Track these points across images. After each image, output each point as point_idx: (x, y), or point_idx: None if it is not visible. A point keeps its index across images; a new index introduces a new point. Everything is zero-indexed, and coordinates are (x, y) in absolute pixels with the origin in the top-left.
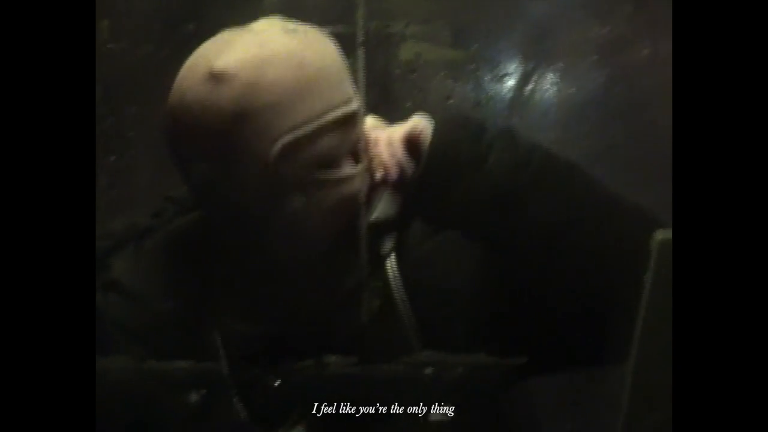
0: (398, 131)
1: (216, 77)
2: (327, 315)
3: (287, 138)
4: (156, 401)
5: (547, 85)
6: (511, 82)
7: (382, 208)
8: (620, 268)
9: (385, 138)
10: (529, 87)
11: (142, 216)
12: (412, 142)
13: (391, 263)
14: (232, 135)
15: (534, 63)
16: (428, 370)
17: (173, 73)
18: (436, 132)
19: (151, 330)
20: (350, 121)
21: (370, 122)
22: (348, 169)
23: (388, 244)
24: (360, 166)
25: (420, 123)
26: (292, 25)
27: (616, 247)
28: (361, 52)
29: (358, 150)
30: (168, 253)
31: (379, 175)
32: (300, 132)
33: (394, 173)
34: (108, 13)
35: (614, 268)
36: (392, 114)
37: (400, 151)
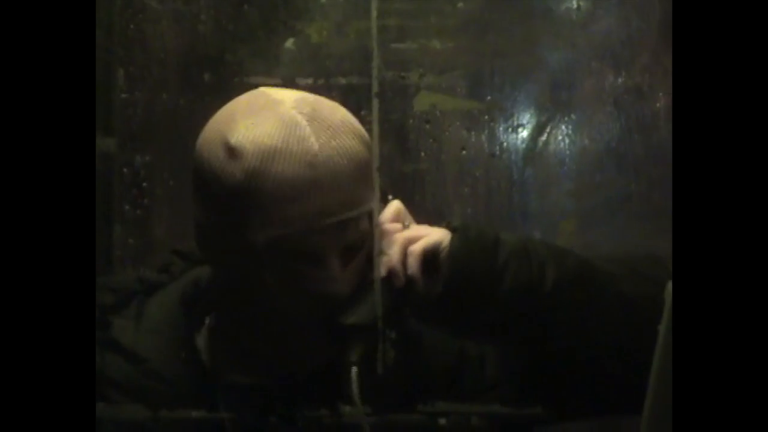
0: (419, 244)
1: (230, 150)
2: (340, 366)
3: (274, 231)
4: None
5: (562, 135)
6: (525, 133)
7: (365, 311)
8: (637, 323)
9: (402, 243)
10: (543, 138)
11: (149, 270)
12: (429, 258)
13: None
14: (233, 206)
15: (549, 114)
16: (443, 421)
17: (189, 122)
18: (453, 252)
19: (151, 391)
20: (347, 226)
21: (394, 209)
22: (333, 270)
23: (358, 350)
24: (348, 269)
25: (443, 241)
26: (327, 107)
27: (632, 312)
28: (375, 103)
29: (353, 250)
30: (170, 312)
31: (382, 272)
32: (288, 229)
33: (400, 282)
34: (124, 62)
35: (631, 324)
36: (407, 164)
37: (416, 266)
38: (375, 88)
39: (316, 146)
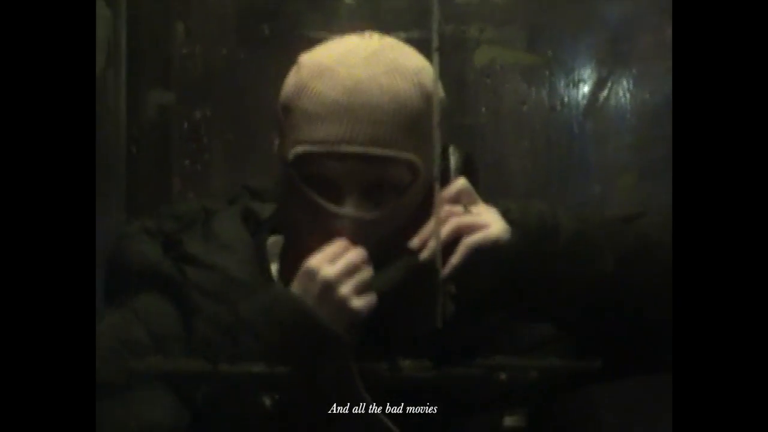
0: (475, 238)
1: (296, 64)
2: (399, 319)
3: (300, 148)
4: (229, 405)
5: (623, 90)
6: (585, 88)
7: (382, 281)
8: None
9: (454, 227)
10: (604, 92)
11: (214, 201)
12: (483, 251)
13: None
14: (280, 121)
15: (609, 68)
16: (502, 375)
17: (248, 75)
18: (514, 250)
19: (231, 293)
20: (372, 163)
21: (456, 188)
22: (347, 208)
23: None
24: (367, 212)
25: (501, 238)
26: (402, 52)
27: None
28: (436, 57)
29: (379, 198)
30: (236, 230)
31: (414, 244)
32: (311, 148)
33: (433, 263)
34: (183, 15)
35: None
36: (466, 118)
37: (462, 256)
38: (435, 43)
39: (361, 75)
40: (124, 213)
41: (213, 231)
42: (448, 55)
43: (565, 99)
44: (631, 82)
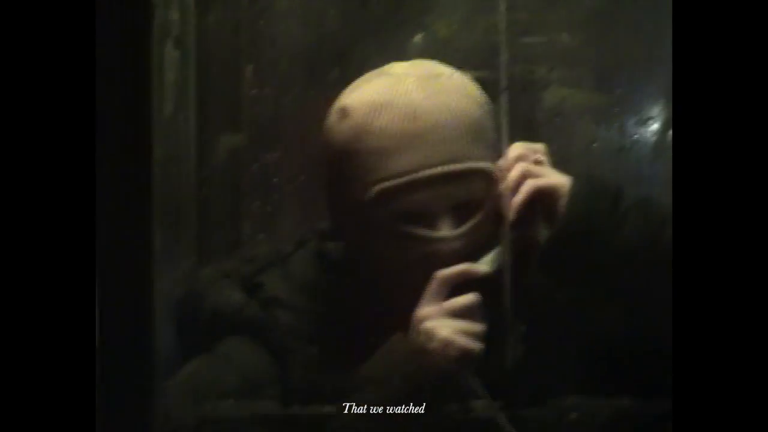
0: (539, 181)
1: (341, 111)
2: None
3: (381, 186)
4: None
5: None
6: (655, 126)
7: (490, 260)
8: None
9: (520, 171)
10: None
11: (286, 243)
12: (550, 203)
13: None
14: (342, 168)
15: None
16: (573, 415)
17: (317, 118)
18: (574, 197)
19: (322, 334)
20: (454, 181)
21: (516, 153)
22: (444, 230)
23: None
24: (462, 229)
25: (564, 186)
26: (441, 69)
27: None
28: (504, 97)
29: (466, 212)
30: (314, 268)
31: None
32: (393, 182)
33: (512, 224)
34: (252, 58)
35: None
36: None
37: (525, 195)
38: (503, 83)
39: (418, 99)
40: (195, 256)
41: (291, 273)
42: (517, 96)
43: (634, 138)
44: None
